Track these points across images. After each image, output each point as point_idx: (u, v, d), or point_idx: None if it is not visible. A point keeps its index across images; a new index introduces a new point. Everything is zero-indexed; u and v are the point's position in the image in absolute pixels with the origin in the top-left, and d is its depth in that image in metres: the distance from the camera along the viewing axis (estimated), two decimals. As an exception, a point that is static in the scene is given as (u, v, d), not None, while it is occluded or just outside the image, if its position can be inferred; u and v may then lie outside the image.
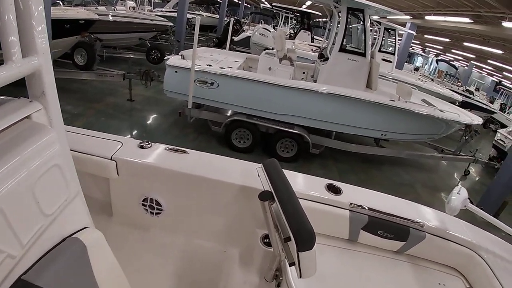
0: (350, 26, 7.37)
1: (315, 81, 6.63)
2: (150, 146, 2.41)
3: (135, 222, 2.49)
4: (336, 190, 2.17)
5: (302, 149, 6.23)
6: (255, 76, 6.07)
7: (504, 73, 25.28)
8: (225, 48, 8.74)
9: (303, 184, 2.22)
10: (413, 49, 35.01)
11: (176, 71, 6.24)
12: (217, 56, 7.46)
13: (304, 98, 6.00)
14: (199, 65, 6.07)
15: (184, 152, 2.39)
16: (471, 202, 2.22)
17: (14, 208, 0.97)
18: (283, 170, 2.21)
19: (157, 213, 2.42)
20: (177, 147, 2.41)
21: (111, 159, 2.24)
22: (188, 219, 2.45)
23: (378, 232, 2.13)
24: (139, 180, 2.34)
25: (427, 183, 7.50)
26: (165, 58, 6.66)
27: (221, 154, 5.23)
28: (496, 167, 8.97)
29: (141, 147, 2.39)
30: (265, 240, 2.28)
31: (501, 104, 18.47)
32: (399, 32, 12.82)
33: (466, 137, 8.32)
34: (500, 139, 10.26)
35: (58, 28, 7.49)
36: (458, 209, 2.15)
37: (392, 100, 6.19)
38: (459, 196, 2.17)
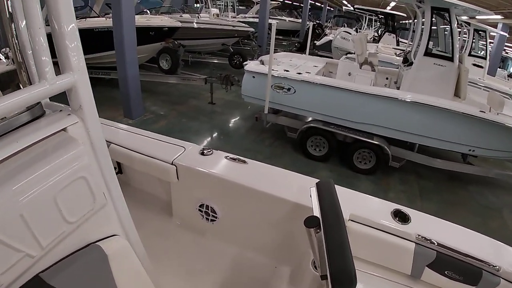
0: (436, 27, 6.81)
1: (398, 88, 6.23)
2: (211, 154, 2.46)
3: (192, 225, 2.57)
4: (403, 218, 1.94)
5: (381, 161, 5.84)
6: (333, 82, 5.86)
7: None
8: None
9: (367, 207, 2.03)
10: (506, 53, 31.79)
11: (253, 76, 6.31)
12: (297, 61, 7.38)
13: (385, 106, 5.62)
14: (276, 71, 6.07)
15: (244, 162, 2.39)
16: None
17: (36, 213, 1.06)
18: (349, 189, 2.06)
19: (212, 220, 2.47)
20: (237, 157, 2.43)
21: (172, 163, 2.33)
22: (242, 230, 2.44)
23: (446, 272, 1.85)
24: (197, 187, 2.40)
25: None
26: (244, 63, 6.69)
27: (296, 162, 5.13)
28: None
29: (202, 153, 2.45)
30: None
31: None
32: (490, 34, 11.54)
33: None
34: None
35: (144, 35, 8.12)
36: None
37: (482, 111, 5.49)
38: None
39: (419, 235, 1.84)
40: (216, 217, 2.43)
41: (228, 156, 2.45)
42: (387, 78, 7.22)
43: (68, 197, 1.16)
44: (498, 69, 17.72)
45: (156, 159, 2.38)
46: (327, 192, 1.57)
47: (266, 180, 2.22)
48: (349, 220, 1.89)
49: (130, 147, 2.51)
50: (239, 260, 2.37)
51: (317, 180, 1.73)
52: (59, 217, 1.15)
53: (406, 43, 13.73)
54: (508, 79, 15.65)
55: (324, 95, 5.85)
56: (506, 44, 17.18)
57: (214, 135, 6.97)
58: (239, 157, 2.42)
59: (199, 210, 2.47)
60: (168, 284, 2.14)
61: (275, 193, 2.10)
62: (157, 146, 2.55)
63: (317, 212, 1.49)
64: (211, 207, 2.41)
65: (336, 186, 2.00)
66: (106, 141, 2.64)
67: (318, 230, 1.39)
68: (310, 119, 6.39)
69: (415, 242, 1.84)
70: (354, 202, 1.98)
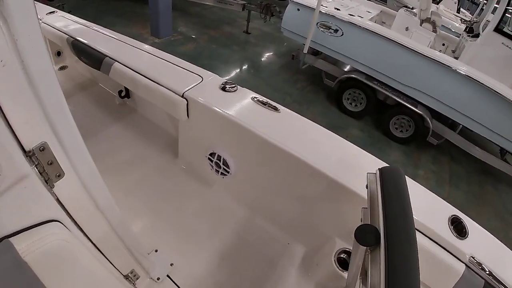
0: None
1: (456, 58, 5.44)
2: (235, 90, 1.96)
3: (198, 173, 2.15)
4: (460, 229, 1.53)
5: (419, 133, 5.22)
6: (388, 33, 5.06)
7: None
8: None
9: (423, 206, 1.58)
10: None
11: (298, 9, 5.58)
12: (349, 2, 6.54)
13: (439, 74, 4.89)
14: (326, 7, 5.33)
15: (275, 109, 1.87)
16: None
17: None
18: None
19: (222, 174, 2.01)
20: (268, 100, 1.90)
21: (182, 96, 1.85)
22: (256, 193, 1.99)
23: None
24: (210, 130, 1.94)
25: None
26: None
27: (327, 112, 4.37)
28: None
29: (223, 89, 1.95)
30: (340, 256, 1.73)
31: None
32: None
33: None
34: None
35: None
36: None
37: None
38: None
39: (473, 257, 1.46)
40: (227, 171, 1.97)
41: (256, 98, 1.93)
42: (443, 45, 6.43)
43: None
44: None
45: (164, 88, 1.89)
46: (395, 188, 1.09)
47: (300, 139, 1.72)
48: None
49: (136, 69, 2.02)
50: (247, 226, 1.95)
51: (382, 164, 1.30)
52: None
53: (465, 13, 12.48)
54: None
55: (374, 46, 5.13)
56: None
57: (244, 67, 6.35)
58: (270, 101, 1.90)
59: (209, 159, 2.01)
60: (161, 241, 1.77)
61: (308, 161, 1.60)
62: (169, 71, 2.05)
63: (377, 217, 1.02)
64: (223, 158, 1.94)
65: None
66: (109, 57, 2.07)
67: (374, 248, 0.95)
68: (349, 67, 5.70)
69: (465, 264, 1.46)
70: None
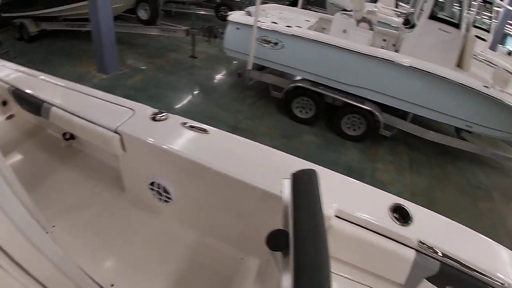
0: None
1: (397, 51, 5.66)
2: (165, 119, 2.02)
3: (145, 203, 2.18)
4: (404, 216, 1.57)
5: (371, 128, 5.39)
6: (326, 39, 5.26)
7: None
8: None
9: (361, 199, 1.64)
10: (508, 30, 30.72)
11: (237, 28, 5.71)
12: (287, 14, 6.72)
13: (381, 69, 5.09)
14: (264, 22, 5.48)
15: (204, 131, 1.94)
16: None
17: None
18: (338, 173, 1.67)
19: (165, 201, 2.05)
20: (197, 124, 1.98)
21: (115, 131, 1.89)
22: (201, 216, 2.04)
23: (446, 287, 1.53)
24: (146, 161, 1.99)
25: (508, 192, 6.27)
26: (228, 13, 5.94)
27: (279, 123, 4.39)
28: None
29: (154, 118, 2.00)
30: None
31: None
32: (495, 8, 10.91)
33: None
34: None
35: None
36: None
37: (486, 87, 5.05)
38: None
39: (421, 242, 1.50)
40: (169, 198, 2.01)
41: (186, 123, 1.99)
42: (384, 40, 6.65)
43: None
44: (498, 45, 17.18)
45: (98, 125, 1.93)
46: (305, 191, 1.13)
47: (229, 156, 1.79)
48: (335, 216, 1.52)
49: (71, 110, 2.06)
50: (198, 248, 1.99)
51: (298, 160, 1.36)
52: None
53: (405, 7, 12.84)
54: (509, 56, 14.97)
55: (315, 52, 5.30)
56: (508, 21, 16.35)
57: (193, 92, 6.38)
58: (199, 124, 1.98)
59: (151, 188, 2.06)
60: (117, 275, 1.80)
61: (237, 176, 1.67)
62: (102, 108, 2.10)
63: (288, 222, 1.06)
64: (163, 186, 1.98)
65: (323, 170, 1.65)
66: (47, 102, 2.13)
67: (286, 253, 0.97)
68: (298, 78, 5.71)
69: (416, 250, 1.50)
70: (343, 192, 1.62)
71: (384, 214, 1.56)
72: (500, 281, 1.54)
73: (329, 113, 5.53)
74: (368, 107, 5.23)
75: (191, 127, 1.96)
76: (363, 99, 5.29)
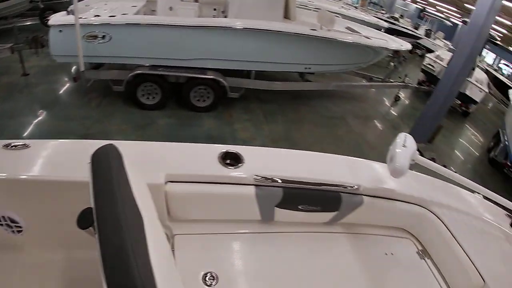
0: None
1: (226, 17, 5.82)
2: None
3: (2, 242, 1.89)
4: (235, 159, 1.66)
5: (219, 95, 5.56)
6: (151, 20, 5.22)
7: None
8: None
9: (189, 158, 1.67)
10: None
11: (60, 30, 5.23)
12: (113, 4, 6.32)
13: (214, 37, 5.22)
14: (85, 18, 5.10)
15: (25, 146, 1.76)
16: (420, 153, 1.78)
17: None
18: (166, 142, 1.71)
19: (18, 231, 1.82)
20: (16, 142, 1.77)
21: None
22: (61, 230, 1.83)
23: (300, 207, 1.68)
24: None
25: (359, 113, 7.13)
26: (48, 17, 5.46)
27: (130, 117, 4.29)
28: (426, 91, 8.93)
29: None
30: None
31: (426, 30, 18.73)
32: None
33: (395, 64, 8.06)
34: (429, 64, 10.42)
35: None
36: (407, 169, 1.66)
37: (314, 30, 5.53)
38: (405, 150, 1.66)
39: (257, 176, 1.59)
40: (20, 227, 1.78)
41: (5, 143, 1.77)
42: (215, 9, 6.66)
43: None
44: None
45: None
46: (100, 167, 1.12)
47: (56, 160, 1.68)
48: (167, 182, 1.52)
49: None
50: (68, 267, 1.83)
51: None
52: None
53: None
54: (336, 0, 16.49)
55: (145, 36, 5.19)
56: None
57: (34, 113, 5.71)
58: (18, 142, 1.77)
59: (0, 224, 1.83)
60: None
61: (67, 178, 1.58)
62: None
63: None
64: (7, 217, 1.74)
65: (144, 143, 1.67)
66: None
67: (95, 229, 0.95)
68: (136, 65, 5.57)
69: (254, 185, 1.59)
70: (173, 157, 1.63)
71: (215, 164, 1.61)
72: (349, 185, 1.73)
73: (177, 91, 5.54)
74: (210, 76, 5.34)
75: (10, 146, 1.76)
76: (204, 70, 5.38)
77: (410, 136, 1.75)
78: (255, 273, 1.58)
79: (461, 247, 1.86)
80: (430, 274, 1.95)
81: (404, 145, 1.67)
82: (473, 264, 1.82)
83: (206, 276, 1.46)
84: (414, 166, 1.84)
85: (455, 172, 1.99)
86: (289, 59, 5.70)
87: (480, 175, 8.38)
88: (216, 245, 1.62)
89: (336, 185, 1.72)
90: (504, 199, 2.03)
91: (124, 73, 5.48)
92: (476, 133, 11.19)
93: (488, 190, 2.03)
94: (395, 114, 8.95)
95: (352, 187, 1.75)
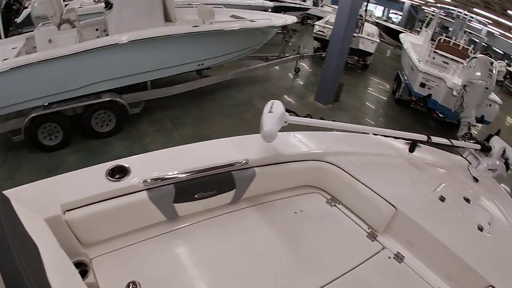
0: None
1: (108, 35, 5.80)
2: None
3: None
4: (123, 172, 1.70)
5: (120, 115, 5.57)
6: (32, 59, 5.01)
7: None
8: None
9: (79, 184, 1.66)
10: None
11: None
12: None
13: (100, 58, 5.20)
14: None
15: None
16: (289, 111, 2.00)
17: None
18: (53, 177, 1.67)
19: None
20: None
21: None
22: None
23: (196, 196, 1.77)
24: None
25: (264, 94, 7.50)
26: None
27: (38, 164, 4.87)
28: (323, 56, 9.49)
29: None
30: None
31: (313, 0, 19.63)
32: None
33: (286, 38, 8.50)
34: (319, 31, 11.06)
35: None
36: (276, 132, 1.83)
37: (196, 26, 5.74)
38: (272, 115, 1.84)
39: (145, 180, 1.65)
40: None
41: None
42: (97, 30, 6.60)
43: None
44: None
45: None
46: None
47: None
48: (65, 212, 1.53)
49: None
50: None
51: None
52: None
53: None
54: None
55: (31, 77, 5.02)
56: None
57: None
58: None
59: None
60: None
61: None
62: None
63: None
64: None
65: (38, 182, 1.66)
66: None
67: None
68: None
69: (145, 190, 1.66)
70: (64, 188, 1.61)
71: (104, 181, 1.64)
72: (238, 161, 1.86)
73: (78, 123, 5.47)
74: (106, 98, 5.34)
75: None
76: (99, 94, 5.36)
77: (278, 101, 1.94)
78: (176, 271, 1.64)
79: (364, 185, 2.07)
80: (344, 217, 2.14)
81: (271, 111, 1.85)
82: (380, 196, 2.01)
83: (129, 287, 1.50)
84: (310, 127, 2.10)
85: (335, 121, 2.24)
86: (179, 61, 5.82)
87: (392, 116, 9.19)
88: (133, 255, 1.67)
89: (225, 166, 1.82)
90: (396, 131, 2.32)
91: (21, 120, 5.31)
92: (380, 81, 12.14)
93: (379, 128, 2.30)
94: (300, 84, 9.49)
95: (240, 162, 1.87)
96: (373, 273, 1.82)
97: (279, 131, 1.87)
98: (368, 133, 2.44)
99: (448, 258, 1.84)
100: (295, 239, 1.91)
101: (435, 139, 2.46)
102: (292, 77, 9.32)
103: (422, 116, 9.07)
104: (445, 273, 1.88)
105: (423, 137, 2.41)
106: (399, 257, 1.93)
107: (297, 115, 2.05)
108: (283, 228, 1.95)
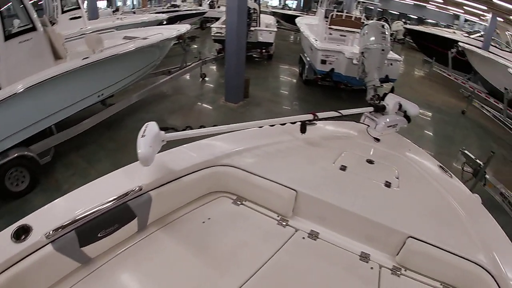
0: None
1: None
2: None
3: None
4: (24, 232, 1.59)
5: (33, 168, 5.28)
6: None
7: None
8: None
9: None
10: None
11: None
12: None
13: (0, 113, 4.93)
14: None
15: None
16: (167, 128, 2.05)
17: None
18: None
19: None
20: None
21: None
22: None
23: (99, 235, 1.72)
24: None
25: (174, 108, 7.69)
26: None
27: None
28: (220, 55, 9.79)
29: None
30: None
31: (209, 3, 19.98)
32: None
33: (184, 47, 8.73)
34: (217, 32, 11.39)
35: None
36: (153, 155, 1.84)
37: (86, 58, 5.66)
38: (144, 139, 1.83)
39: (47, 233, 1.56)
40: None
41: None
42: None
43: None
44: (106, 8, 18.56)
45: None
46: None
47: None
48: None
49: None
50: None
51: None
52: None
53: None
54: (113, 13, 16.21)
55: None
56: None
57: None
58: None
59: None
60: None
61: None
62: None
63: None
64: None
65: None
66: None
67: None
68: None
69: (49, 243, 1.57)
70: None
71: (10, 245, 1.52)
72: (132, 189, 1.84)
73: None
74: (14, 154, 5.05)
75: None
76: (5, 152, 5.05)
77: (152, 123, 1.94)
78: None
79: (262, 177, 2.16)
80: (252, 212, 2.21)
81: (144, 135, 1.83)
82: (279, 183, 2.11)
83: None
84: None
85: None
86: (78, 97, 5.73)
87: (302, 98, 9.81)
88: None
89: (119, 197, 1.79)
90: (285, 117, 2.49)
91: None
92: (287, 67, 12.80)
93: (265, 120, 2.45)
94: (209, 89, 9.80)
95: (134, 190, 1.85)
96: (292, 256, 1.90)
97: (167, 148, 2.01)
98: (262, 126, 2.54)
99: (360, 223, 1.96)
100: (207, 246, 1.92)
101: (322, 114, 2.62)
102: (200, 84, 9.55)
103: (331, 90, 9.79)
104: (364, 236, 2.00)
105: (310, 116, 2.57)
106: (313, 235, 2.05)
107: (176, 130, 2.11)
108: (193, 240, 1.96)
